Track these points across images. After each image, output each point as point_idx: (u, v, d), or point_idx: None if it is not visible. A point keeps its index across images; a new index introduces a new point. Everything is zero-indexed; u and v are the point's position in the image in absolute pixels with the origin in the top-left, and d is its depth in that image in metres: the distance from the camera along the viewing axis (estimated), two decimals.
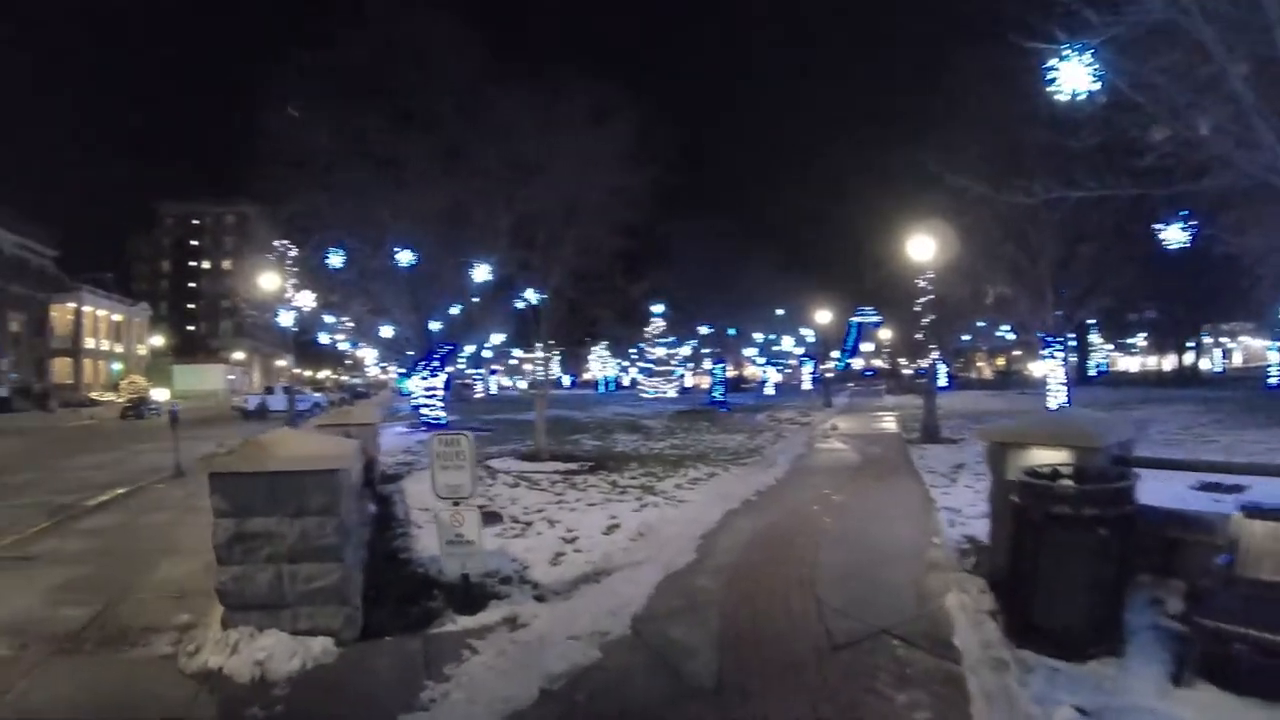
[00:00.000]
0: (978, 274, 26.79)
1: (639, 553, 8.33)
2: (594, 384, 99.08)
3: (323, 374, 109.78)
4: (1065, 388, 27.17)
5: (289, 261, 30.02)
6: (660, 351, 62.55)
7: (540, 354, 19.94)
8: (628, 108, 19.28)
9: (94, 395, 58.68)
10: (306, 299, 28.43)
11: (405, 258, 23.94)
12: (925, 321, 24.21)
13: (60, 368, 62.61)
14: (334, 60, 21.87)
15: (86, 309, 66.82)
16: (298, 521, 6.00)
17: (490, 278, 23.01)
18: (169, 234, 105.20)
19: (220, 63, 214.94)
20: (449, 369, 62.17)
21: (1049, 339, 27.01)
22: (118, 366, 71.16)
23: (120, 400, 48.82)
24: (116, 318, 73.63)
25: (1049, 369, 27.93)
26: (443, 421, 27.02)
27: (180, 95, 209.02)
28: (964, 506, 9.93)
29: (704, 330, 45.84)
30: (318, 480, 6.05)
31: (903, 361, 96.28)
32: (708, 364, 52.38)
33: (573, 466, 15.43)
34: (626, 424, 28.97)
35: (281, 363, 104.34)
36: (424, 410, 27.53)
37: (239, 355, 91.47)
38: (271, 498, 5.99)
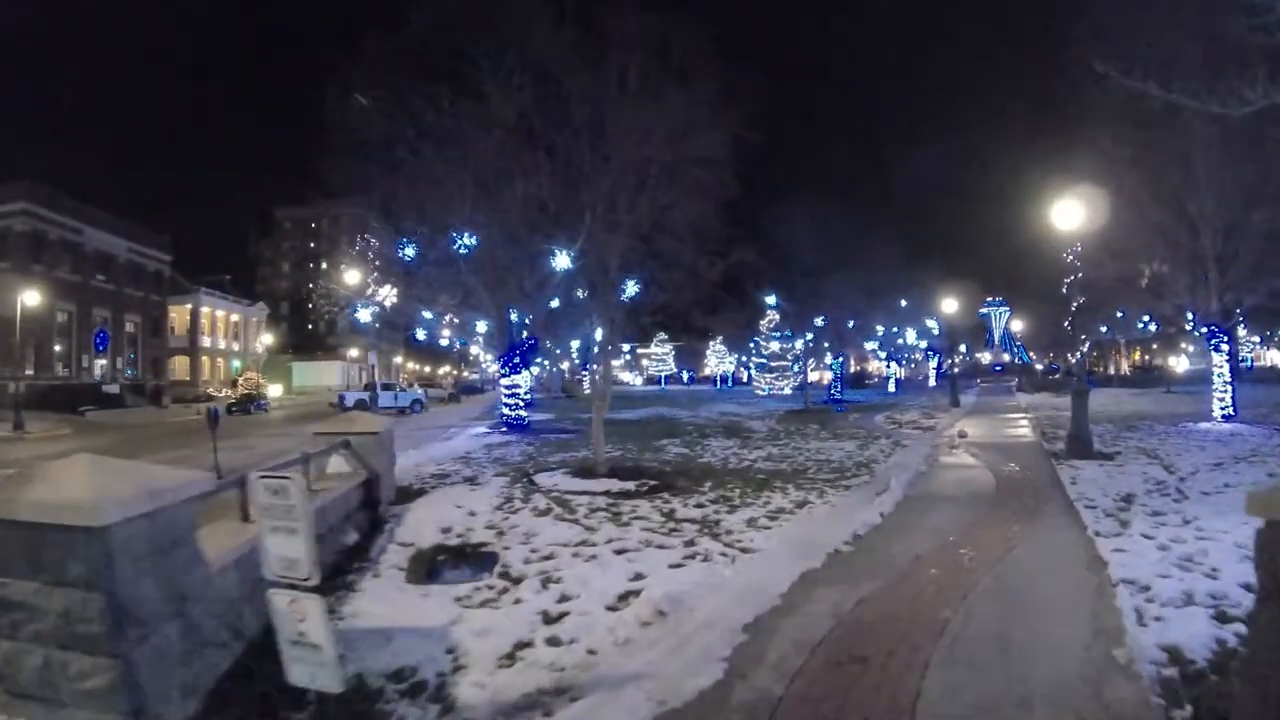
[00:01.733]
0: (1128, 250, 23.00)
1: (641, 654, 5.50)
2: (712, 380, 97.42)
3: (443, 370, 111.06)
4: (1230, 387, 23.14)
5: (370, 255, 29.74)
6: (775, 346, 59.86)
7: (605, 347, 17.40)
8: (704, 62, 16.77)
9: (211, 391, 60.63)
10: (388, 293, 27.98)
11: (468, 242, 22.90)
12: (1075, 306, 20.43)
13: (179, 365, 64.32)
14: (397, 42, 21.18)
15: (204, 309, 68.80)
16: (59, 593, 4.07)
17: (571, 266, 21.30)
18: (288, 237, 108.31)
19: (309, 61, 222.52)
20: (561, 366, 61.39)
21: (1213, 328, 23.01)
22: (237, 364, 72.78)
23: (233, 396, 49.27)
24: (234, 317, 75.52)
25: (1215, 364, 23.87)
26: (524, 421, 25.62)
27: (286, 100, 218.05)
28: (1153, 579, 6.54)
29: (819, 322, 42.52)
30: (68, 540, 4.01)
31: (1033, 355, 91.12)
32: (829, 358, 49.61)
33: (629, 486, 12.79)
34: (727, 426, 26.76)
35: (399, 359, 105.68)
36: (504, 409, 25.88)
37: (354, 352, 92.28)
38: (28, 557, 4.12)
